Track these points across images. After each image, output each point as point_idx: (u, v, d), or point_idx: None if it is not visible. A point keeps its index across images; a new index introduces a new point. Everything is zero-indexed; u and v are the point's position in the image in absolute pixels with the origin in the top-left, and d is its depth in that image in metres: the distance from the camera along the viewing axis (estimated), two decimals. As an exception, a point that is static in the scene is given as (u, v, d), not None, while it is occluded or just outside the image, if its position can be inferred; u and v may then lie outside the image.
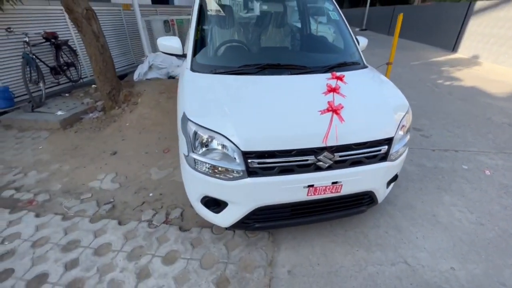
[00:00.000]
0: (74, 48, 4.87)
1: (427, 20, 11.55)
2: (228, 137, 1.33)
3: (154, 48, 6.38)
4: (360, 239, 1.82)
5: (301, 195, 1.47)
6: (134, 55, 6.54)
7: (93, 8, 5.31)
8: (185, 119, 1.44)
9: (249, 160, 1.34)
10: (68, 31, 4.84)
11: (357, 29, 18.45)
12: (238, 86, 1.61)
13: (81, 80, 5.05)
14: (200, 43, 1.90)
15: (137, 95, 3.97)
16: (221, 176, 1.40)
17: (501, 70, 6.66)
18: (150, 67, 5.17)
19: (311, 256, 1.71)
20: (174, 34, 6.86)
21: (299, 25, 2.21)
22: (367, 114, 1.51)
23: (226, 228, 1.87)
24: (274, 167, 1.38)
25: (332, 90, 1.56)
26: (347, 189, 1.53)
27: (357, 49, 2.13)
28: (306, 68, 1.82)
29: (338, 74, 1.74)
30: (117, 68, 5.95)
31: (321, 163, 1.41)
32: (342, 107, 1.45)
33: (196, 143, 1.41)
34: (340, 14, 2.21)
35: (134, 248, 1.79)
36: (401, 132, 1.59)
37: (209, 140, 1.37)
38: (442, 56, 8.67)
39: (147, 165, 2.76)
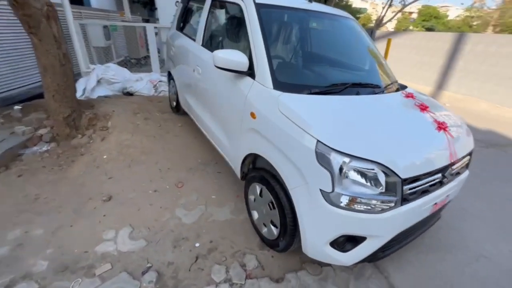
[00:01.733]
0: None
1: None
2: (389, 166, 1.20)
3: (92, 58, 5.18)
4: (438, 244, 1.96)
5: (426, 214, 1.47)
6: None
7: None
8: (325, 149, 1.22)
9: (404, 188, 1.25)
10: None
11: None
12: (354, 109, 1.48)
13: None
14: (273, 59, 1.65)
15: (104, 117, 3.10)
16: (372, 210, 1.24)
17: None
18: (98, 82, 4.16)
19: (417, 272, 1.72)
20: (112, 43, 5.79)
21: (354, 44, 2.23)
22: (457, 130, 1.65)
23: (324, 265, 1.66)
24: (417, 190, 1.34)
25: (424, 108, 1.65)
26: (449, 199, 1.63)
27: (390, 69, 2.33)
28: (377, 87, 1.86)
29: (408, 92, 1.85)
30: (31, 84, 4.55)
31: (445, 179, 1.45)
32: (447, 124, 1.55)
33: (344, 175, 1.21)
34: (368, 35, 2.38)
35: (236, 323, 1.35)
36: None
37: (362, 171, 1.20)
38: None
39: (167, 207, 2.17)
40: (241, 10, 1.90)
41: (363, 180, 1.22)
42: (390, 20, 10.79)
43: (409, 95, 1.82)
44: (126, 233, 1.88)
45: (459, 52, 7.15)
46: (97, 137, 2.90)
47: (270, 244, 1.77)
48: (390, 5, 10.01)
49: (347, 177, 1.21)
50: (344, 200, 1.22)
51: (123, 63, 6.87)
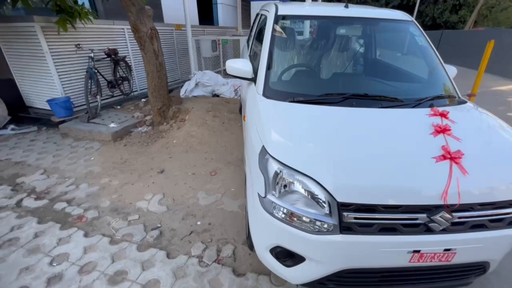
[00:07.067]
0: (129, 64, 5.13)
1: (481, 46, 10.72)
2: (321, 183, 1.10)
3: (201, 66, 6.57)
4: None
5: (402, 261, 1.16)
6: (180, 72, 6.80)
7: (151, 27, 5.66)
8: (265, 154, 1.25)
9: (344, 213, 1.09)
10: (126, 48, 5.14)
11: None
12: (325, 120, 1.39)
13: (132, 94, 5.27)
14: (272, 67, 1.75)
15: (185, 112, 3.98)
16: (304, 227, 1.16)
17: None
18: (196, 85, 5.26)
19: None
20: (219, 53, 7.04)
21: (382, 50, 1.98)
22: (495, 165, 1.19)
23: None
24: (373, 224, 1.11)
25: (441, 130, 1.28)
26: (460, 259, 1.19)
27: (450, 79, 1.83)
28: (397, 100, 1.56)
29: (440, 109, 1.45)
30: None
31: (434, 224, 1.11)
32: (463, 155, 1.15)
33: (278, 184, 1.20)
34: (427, 39, 1.95)
35: (185, 290, 1.58)
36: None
37: (295, 183, 1.15)
38: (505, 85, 7.81)
39: (195, 188, 2.62)
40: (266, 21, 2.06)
41: (296, 193, 1.16)
42: None
43: (440, 114, 1.42)
44: (157, 199, 2.46)
45: None
46: (176, 126, 3.77)
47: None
48: None
49: (280, 186, 1.19)
50: (276, 209, 1.20)
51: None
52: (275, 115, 1.44)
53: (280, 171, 1.18)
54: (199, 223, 2.18)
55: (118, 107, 4.72)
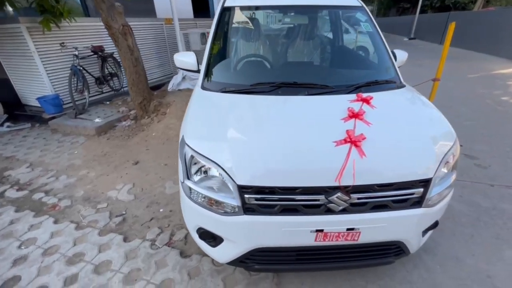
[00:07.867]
0: (118, 60, 5.26)
1: (490, 27, 10.20)
2: (223, 167, 1.17)
3: (190, 59, 6.64)
4: (385, 296, 1.49)
5: (308, 240, 1.23)
6: (172, 66, 6.89)
7: (138, 23, 5.73)
8: (183, 142, 1.33)
9: (245, 196, 1.17)
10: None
11: (405, 39, 17.14)
12: (244, 108, 1.45)
13: (122, 89, 5.42)
14: (213, 59, 1.80)
15: (166, 105, 4.09)
16: (216, 209, 1.24)
17: None
18: (183, 78, 5.35)
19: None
20: (210, 46, 7.06)
21: (324, 38, 1.99)
22: (397, 148, 1.22)
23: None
24: (275, 205, 1.18)
25: (354, 116, 1.31)
26: (366, 238, 1.25)
27: (393, 64, 1.82)
28: (327, 87, 1.59)
29: (364, 95, 1.47)
30: (155, 79, 6.34)
31: (332, 205, 1.16)
32: (364, 138, 1.19)
33: (192, 170, 1.28)
34: (374, 25, 1.94)
35: (132, 270, 1.71)
36: (444, 170, 1.26)
37: (206, 169, 1.23)
38: (509, 68, 7.46)
39: (164, 178, 2.74)
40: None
41: (207, 178, 1.24)
42: None
43: (363, 99, 1.45)
44: (127, 188, 2.60)
45: None
46: (156, 119, 3.90)
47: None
48: None
49: (195, 171, 1.27)
50: (192, 193, 1.29)
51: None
52: (200, 105, 1.51)
53: (193, 158, 1.26)
54: (161, 210, 2.30)
55: (108, 102, 4.89)
